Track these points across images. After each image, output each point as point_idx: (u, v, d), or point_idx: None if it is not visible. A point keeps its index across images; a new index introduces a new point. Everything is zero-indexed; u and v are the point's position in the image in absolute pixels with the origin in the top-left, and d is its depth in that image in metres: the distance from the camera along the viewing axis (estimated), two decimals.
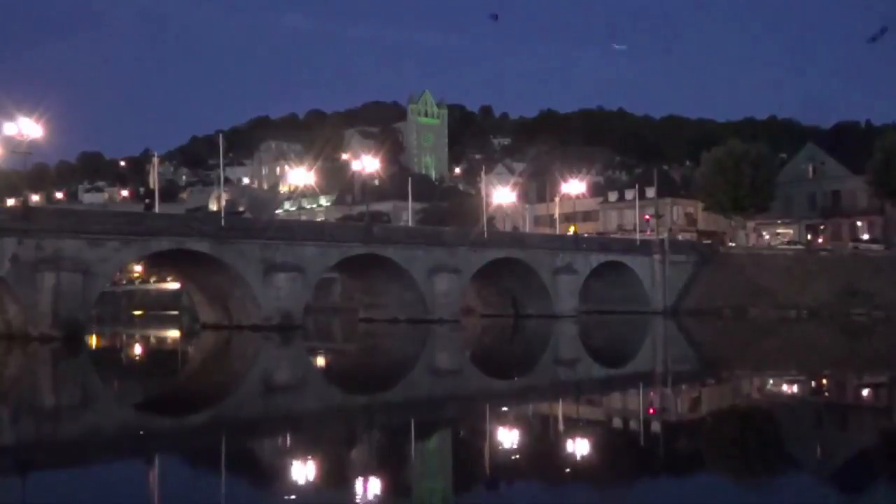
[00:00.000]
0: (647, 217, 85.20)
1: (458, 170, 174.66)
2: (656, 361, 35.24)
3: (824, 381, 25.62)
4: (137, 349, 45.56)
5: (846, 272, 67.65)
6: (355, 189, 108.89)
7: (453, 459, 14.14)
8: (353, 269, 59.22)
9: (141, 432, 16.59)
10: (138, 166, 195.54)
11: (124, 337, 56.07)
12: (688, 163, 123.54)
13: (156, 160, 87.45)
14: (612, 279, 72.92)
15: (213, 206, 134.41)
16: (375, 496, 11.06)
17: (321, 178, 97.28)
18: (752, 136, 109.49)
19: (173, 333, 58.89)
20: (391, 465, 13.31)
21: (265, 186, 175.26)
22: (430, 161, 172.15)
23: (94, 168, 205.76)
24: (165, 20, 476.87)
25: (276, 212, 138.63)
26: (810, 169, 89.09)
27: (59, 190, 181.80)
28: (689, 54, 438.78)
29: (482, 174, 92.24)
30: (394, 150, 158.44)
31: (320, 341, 48.49)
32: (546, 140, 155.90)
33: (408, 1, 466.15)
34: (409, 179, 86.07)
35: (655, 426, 17.31)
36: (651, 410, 19.86)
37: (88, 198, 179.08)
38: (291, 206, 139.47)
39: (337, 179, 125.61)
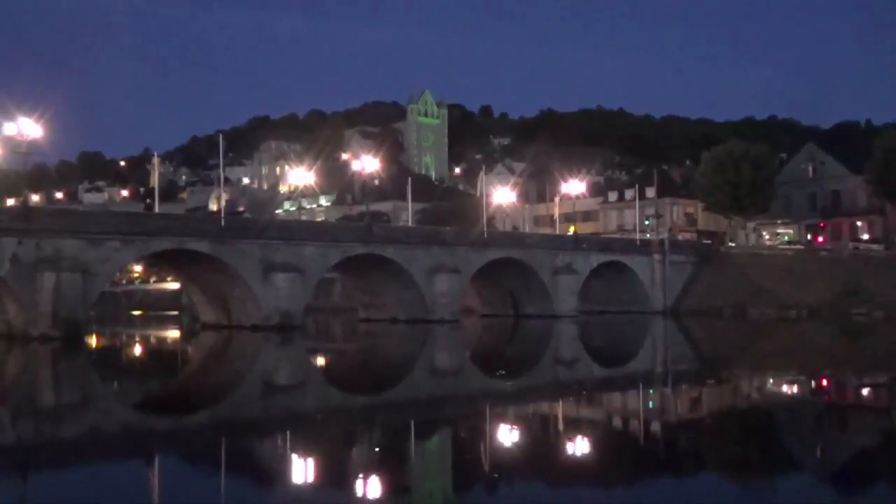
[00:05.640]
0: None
1: (458, 170, 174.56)
2: (656, 361, 35.22)
3: (824, 382, 25.61)
4: (137, 349, 45.54)
5: (846, 272, 67.62)
6: (355, 189, 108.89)
7: (453, 459, 14.14)
8: (353, 269, 59.19)
9: (141, 432, 16.59)
10: (138, 166, 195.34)
11: (124, 337, 56.06)
12: (688, 163, 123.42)
13: (156, 160, 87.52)
14: (612, 279, 72.90)
15: (213, 206, 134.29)
16: (375, 496, 11.06)
17: (321, 178, 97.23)
18: (753, 136, 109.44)
19: (173, 333, 58.86)
20: (391, 465, 13.30)
21: (265, 186, 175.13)
22: (430, 161, 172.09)
23: (94, 168, 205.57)
24: (165, 20, 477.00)
25: (276, 212, 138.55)
26: (810, 169, 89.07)
27: (59, 190, 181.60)
28: (689, 54, 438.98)
29: (482, 174, 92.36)
30: (394, 150, 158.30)
31: (320, 341, 48.48)
32: (546, 140, 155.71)
33: (408, 1, 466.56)
34: (409, 179, 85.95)
35: (655, 426, 17.30)
36: (651, 410, 19.86)
37: (88, 198, 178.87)
38: (291, 206, 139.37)
39: (337, 179, 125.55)
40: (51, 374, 31.07)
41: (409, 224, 77.11)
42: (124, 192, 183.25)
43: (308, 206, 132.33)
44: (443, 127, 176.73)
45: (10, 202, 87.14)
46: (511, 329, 56.97)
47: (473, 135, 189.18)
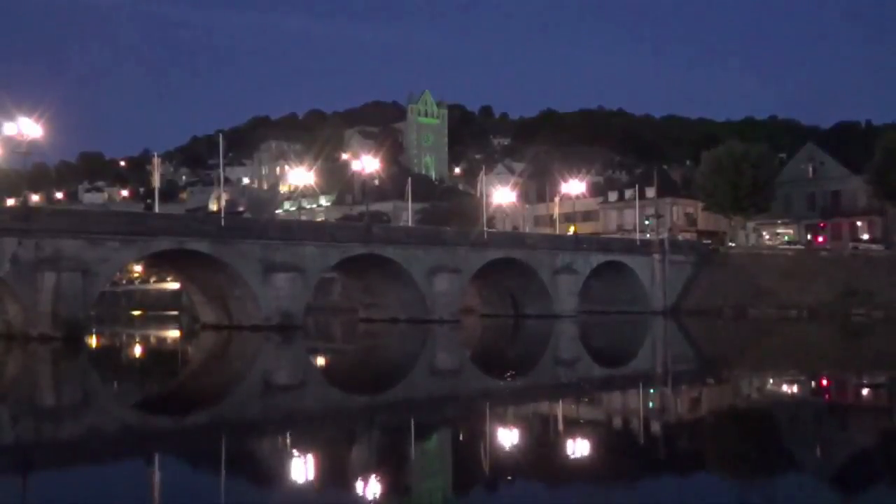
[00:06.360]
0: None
1: (458, 170, 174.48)
2: (656, 361, 35.25)
3: (824, 382, 25.62)
4: (137, 349, 45.52)
5: (846, 272, 67.64)
6: (355, 189, 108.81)
7: (453, 459, 14.14)
8: (353, 269, 59.18)
9: (141, 432, 16.59)
10: (138, 166, 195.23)
11: (124, 337, 56.05)
12: (688, 163, 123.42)
13: (156, 160, 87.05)
14: (612, 279, 72.89)
15: (213, 206, 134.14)
16: (375, 496, 11.06)
17: (321, 178, 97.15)
18: (753, 136, 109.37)
19: (173, 333, 58.85)
20: (391, 465, 13.31)
21: (265, 186, 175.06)
22: (430, 161, 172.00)
23: (94, 168, 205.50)
24: (165, 20, 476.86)
25: (276, 212, 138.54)
26: (810, 169, 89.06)
27: (59, 190, 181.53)
28: (689, 54, 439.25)
29: (482, 174, 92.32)
30: (394, 150, 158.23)
31: (320, 341, 48.50)
32: (546, 140, 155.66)
33: (408, 1, 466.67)
34: (409, 179, 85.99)
35: (655, 426, 17.31)
36: (651, 410, 19.86)
37: (88, 198, 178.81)
38: (291, 206, 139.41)
39: (337, 179, 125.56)
40: (51, 374, 31.07)
41: (409, 224, 77.12)
42: (124, 193, 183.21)
43: (308, 206, 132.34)
44: (443, 127, 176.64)
45: (10, 202, 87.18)
46: (511, 329, 56.97)
47: (473, 135, 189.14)
